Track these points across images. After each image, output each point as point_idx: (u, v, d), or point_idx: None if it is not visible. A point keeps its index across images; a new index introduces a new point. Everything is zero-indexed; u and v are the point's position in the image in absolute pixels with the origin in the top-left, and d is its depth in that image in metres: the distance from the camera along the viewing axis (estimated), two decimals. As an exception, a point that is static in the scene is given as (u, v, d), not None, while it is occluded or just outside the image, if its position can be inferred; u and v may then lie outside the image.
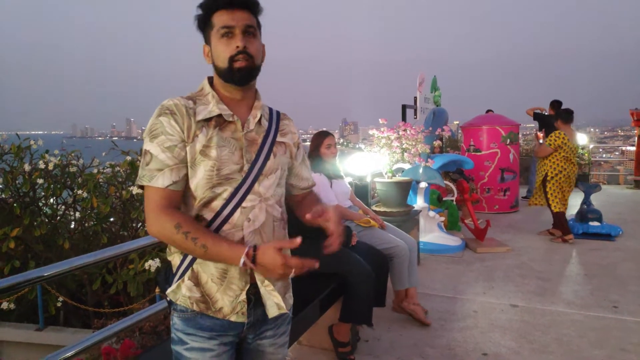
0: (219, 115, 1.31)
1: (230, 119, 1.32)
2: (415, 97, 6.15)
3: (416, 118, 6.08)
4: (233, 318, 1.31)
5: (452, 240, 5.15)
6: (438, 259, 4.88)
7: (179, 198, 1.29)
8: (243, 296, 1.31)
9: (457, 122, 9.97)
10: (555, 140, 5.38)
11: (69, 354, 1.89)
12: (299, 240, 1.22)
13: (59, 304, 4.29)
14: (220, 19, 1.29)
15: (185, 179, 1.29)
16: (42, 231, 4.35)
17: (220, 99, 1.33)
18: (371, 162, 4.26)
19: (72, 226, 4.94)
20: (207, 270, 1.30)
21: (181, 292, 1.32)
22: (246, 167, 1.31)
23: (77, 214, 4.89)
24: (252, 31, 1.31)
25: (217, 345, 1.33)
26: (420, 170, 4.55)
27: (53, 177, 4.74)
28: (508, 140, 7.34)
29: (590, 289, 3.94)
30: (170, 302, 1.35)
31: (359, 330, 3.05)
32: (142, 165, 1.28)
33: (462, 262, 4.79)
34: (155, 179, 1.25)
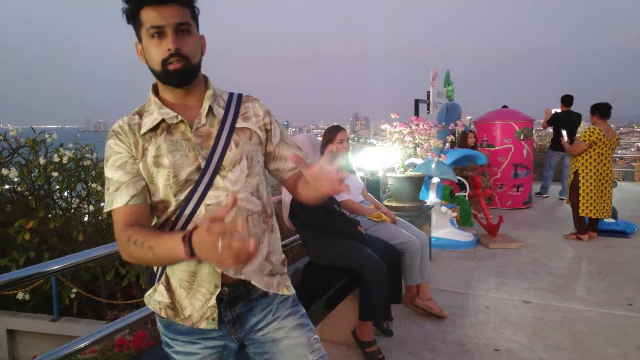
0: (164, 120, 1.23)
1: (175, 121, 1.23)
2: (428, 92, 6.10)
3: (429, 113, 6.03)
4: (203, 325, 1.25)
5: (464, 236, 5.12)
6: (450, 254, 4.86)
7: (144, 212, 1.22)
8: (213, 301, 1.24)
9: (470, 117, 9.88)
10: (590, 136, 5.14)
11: (83, 345, 1.91)
12: (231, 204, 0.98)
13: (72, 295, 4.35)
14: (148, 16, 1.16)
15: (145, 190, 1.23)
16: (56, 223, 4.41)
17: (162, 104, 1.25)
18: (383, 157, 4.24)
19: (86, 219, 4.99)
20: (176, 276, 1.25)
21: (153, 297, 1.29)
22: (203, 164, 1.22)
23: (91, 207, 4.94)
24: (185, 28, 1.18)
25: (201, 349, 1.28)
26: (433, 166, 4.52)
27: (67, 171, 4.79)
28: (522, 136, 7.27)
29: (605, 286, 3.89)
30: None
31: (386, 327, 3.05)
32: (105, 192, 1.23)
33: (474, 257, 4.76)
34: (115, 200, 1.19)
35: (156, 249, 1.11)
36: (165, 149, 1.21)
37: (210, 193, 1.22)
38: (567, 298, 3.63)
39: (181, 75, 1.19)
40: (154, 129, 1.23)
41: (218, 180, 1.23)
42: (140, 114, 1.26)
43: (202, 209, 1.22)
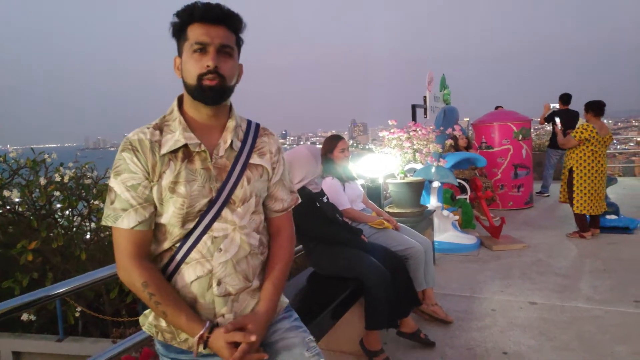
0: (186, 145, 1.23)
1: (197, 149, 1.23)
2: (425, 96, 6.12)
3: (426, 117, 6.05)
4: (200, 349, 1.25)
5: (467, 239, 5.12)
6: (453, 258, 4.85)
7: (148, 238, 1.23)
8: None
9: (467, 119, 9.91)
10: (582, 133, 5.17)
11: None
12: (253, 338, 1.19)
13: (77, 314, 4.33)
14: (195, 33, 1.19)
15: (152, 217, 1.22)
16: (59, 243, 4.40)
17: (187, 125, 1.24)
18: (383, 163, 4.25)
19: (88, 237, 4.98)
20: None
21: (149, 319, 1.29)
22: (215, 196, 1.24)
23: (92, 225, 4.93)
24: (227, 51, 1.22)
25: None
26: (433, 170, 4.52)
27: (68, 190, 4.79)
28: (520, 136, 7.28)
29: (610, 284, 3.88)
30: None
31: (423, 337, 2.98)
32: (107, 204, 1.22)
33: (478, 260, 4.75)
34: (121, 219, 1.19)
35: (169, 318, 1.19)
36: (183, 178, 1.21)
37: (218, 225, 1.24)
38: (573, 298, 3.62)
39: (214, 93, 1.20)
40: (174, 151, 1.23)
41: (227, 212, 1.25)
42: (161, 129, 1.25)
43: (207, 241, 1.23)
